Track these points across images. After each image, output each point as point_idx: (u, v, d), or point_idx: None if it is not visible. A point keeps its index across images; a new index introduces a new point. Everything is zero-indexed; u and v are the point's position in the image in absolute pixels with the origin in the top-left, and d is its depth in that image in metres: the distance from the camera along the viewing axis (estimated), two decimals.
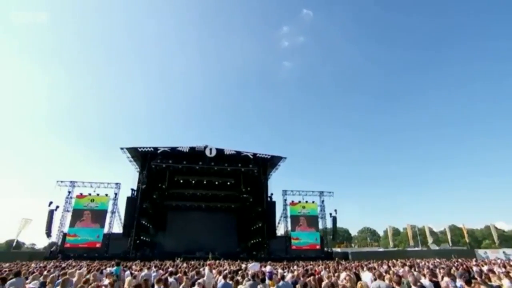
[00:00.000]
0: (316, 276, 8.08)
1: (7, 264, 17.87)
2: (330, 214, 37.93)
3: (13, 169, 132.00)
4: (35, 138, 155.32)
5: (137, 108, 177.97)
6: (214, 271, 10.13)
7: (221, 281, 7.19)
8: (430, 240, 44.33)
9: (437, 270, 9.88)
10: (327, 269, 12.05)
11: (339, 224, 39.81)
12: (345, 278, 7.54)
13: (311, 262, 19.94)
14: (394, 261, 18.52)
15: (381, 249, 49.07)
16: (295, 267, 14.77)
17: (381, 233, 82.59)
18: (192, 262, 17.81)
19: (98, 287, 5.93)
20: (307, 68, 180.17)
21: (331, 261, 22.51)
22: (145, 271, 10.94)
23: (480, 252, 35.73)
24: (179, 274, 8.70)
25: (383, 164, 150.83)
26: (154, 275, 9.40)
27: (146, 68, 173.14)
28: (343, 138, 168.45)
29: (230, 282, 7.07)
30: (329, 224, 37.95)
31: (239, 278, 7.77)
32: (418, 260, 20.69)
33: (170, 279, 7.35)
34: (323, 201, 38.17)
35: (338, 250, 45.63)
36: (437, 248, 43.65)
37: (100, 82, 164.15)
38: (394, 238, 62.20)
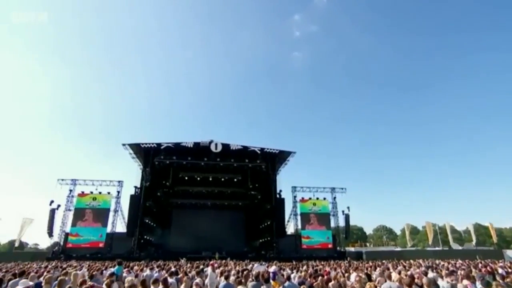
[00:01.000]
0: (325, 277, 7.95)
1: (8, 265, 18.11)
2: (343, 211, 37.57)
3: (14, 168, 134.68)
4: (36, 135, 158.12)
5: (140, 103, 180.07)
6: (217, 271, 10.16)
7: (223, 281, 7.18)
8: (451, 239, 43.25)
9: (458, 272, 9.36)
10: (338, 269, 11.90)
11: (352, 222, 39.38)
12: (355, 279, 7.22)
13: (322, 262, 19.78)
14: (412, 261, 17.99)
15: (398, 249, 48.36)
16: (304, 267, 14.55)
17: (398, 232, 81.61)
18: (197, 262, 17.77)
19: (92, 287, 5.86)
20: (319, 59, 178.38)
21: (344, 261, 22.23)
22: (147, 271, 10.99)
23: (509, 253, 34.58)
24: (180, 275, 8.69)
25: (399, 158, 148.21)
26: (156, 276, 9.22)
27: (149, 63, 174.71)
28: (356, 131, 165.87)
29: (232, 283, 7.09)
30: (341, 222, 37.60)
31: (242, 278, 7.55)
32: (438, 261, 20.03)
33: (171, 280, 7.30)
34: (335, 197, 37.79)
35: (352, 249, 45.15)
36: (460, 248, 42.64)
37: (102, 78, 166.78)
38: (412, 237, 61.09)
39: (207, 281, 8.77)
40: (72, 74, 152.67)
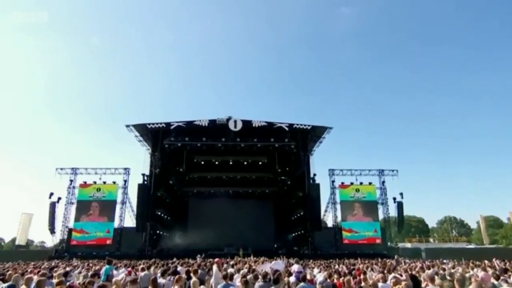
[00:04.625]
0: (358, 278, 8.07)
1: (7, 265, 18.55)
2: (394, 199, 36.48)
3: (6, 156, 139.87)
4: (25, 117, 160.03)
5: (148, 80, 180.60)
6: (231, 269, 10.47)
7: (222, 282, 7.54)
8: None
9: None
10: (379, 269, 11.74)
11: (410, 212, 37.91)
12: (392, 282, 6.98)
13: (367, 260, 19.33)
14: (487, 261, 16.21)
15: (471, 246, 46.14)
16: (338, 266, 14.35)
17: (473, 225, 77.81)
18: (213, 260, 17.28)
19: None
20: (374, 15, 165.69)
21: (392, 259, 21.69)
22: (145, 271, 10.91)
23: None
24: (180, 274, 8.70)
25: (471, 135, 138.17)
26: (144, 275, 9.81)
27: (159, 33, 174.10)
28: (413, 103, 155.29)
29: (231, 282, 7.42)
30: (392, 212, 36.51)
31: (249, 278, 8.16)
32: None
33: (164, 280, 7.85)
34: (383, 182, 36.91)
35: (408, 245, 43.72)
36: None
37: (104, 49, 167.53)
38: (493, 232, 57.81)
39: (212, 280, 9.25)
40: (64, 40, 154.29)
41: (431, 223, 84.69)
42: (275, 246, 36.25)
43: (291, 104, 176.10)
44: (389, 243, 35.57)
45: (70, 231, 32.54)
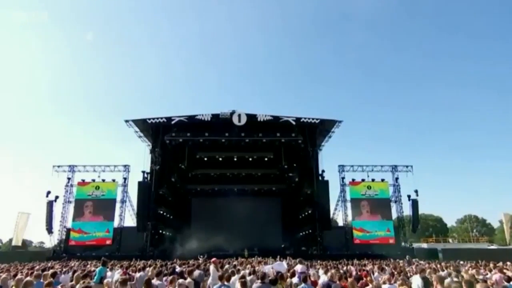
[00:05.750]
0: (364, 279, 8.14)
1: (1, 266, 18.74)
2: (409, 196, 35.98)
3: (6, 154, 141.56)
4: (18, 111, 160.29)
5: (148, 73, 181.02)
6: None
7: (218, 283, 7.79)
8: None
9: None
10: (390, 270, 11.91)
11: (427, 211, 37.55)
12: (400, 285, 7.12)
13: (378, 261, 19.47)
14: (509, 263, 16.03)
15: (494, 246, 45.38)
16: (346, 267, 14.45)
17: (496, 224, 76.57)
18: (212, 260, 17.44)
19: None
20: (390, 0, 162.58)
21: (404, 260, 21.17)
22: (141, 271, 11.21)
23: None
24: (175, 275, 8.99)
25: (492, 128, 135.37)
26: (140, 275, 10.09)
27: (160, 24, 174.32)
28: (429, 93, 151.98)
29: (227, 283, 7.66)
30: (407, 210, 36.21)
31: (249, 279, 8.53)
32: None
33: (158, 282, 7.91)
34: (397, 178, 36.49)
35: (424, 245, 43.28)
36: None
37: (103, 43, 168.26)
38: None
39: (209, 281, 9.55)
40: (64, 31, 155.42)
41: (450, 222, 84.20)
42: (283, 246, 36.50)
43: (298, 96, 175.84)
44: (403, 243, 35.19)
45: (68, 231, 32.85)
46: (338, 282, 7.65)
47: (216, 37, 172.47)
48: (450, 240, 69.95)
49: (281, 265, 11.11)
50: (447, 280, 6.26)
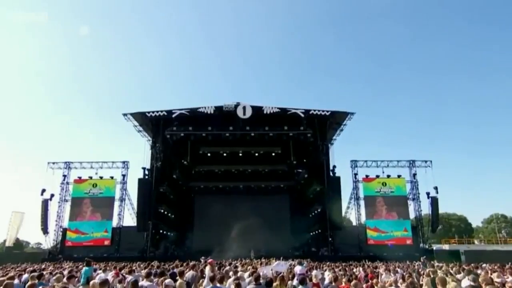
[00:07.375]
0: (370, 282, 8.44)
1: None
2: (428, 194, 35.87)
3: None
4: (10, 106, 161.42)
5: (149, 65, 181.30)
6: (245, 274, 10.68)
7: (209, 284, 7.90)
8: None
9: None
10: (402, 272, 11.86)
11: (450, 210, 37.25)
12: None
13: (394, 263, 19.63)
14: None
15: None
16: (356, 268, 14.56)
17: None
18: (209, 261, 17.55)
19: None
20: None
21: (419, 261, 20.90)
22: (134, 273, 11.42)
23: None
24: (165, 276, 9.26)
25: None
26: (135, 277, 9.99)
27: (159, 12, 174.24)
28: (450, 84, 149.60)
29: (220, 285, 7.60)
30: (426, 209, 36.14)
31: (249, 280, 8.52)
32: None
33: (147, 283, 7.95)
34: (415, 175, 36.42)
35: (446, 247, 42.84)
36: None
37: (101, 36, 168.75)
38: None
39: (204, 282, 9.47)
40: (59, 22, 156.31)
41: (476, 222, 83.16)
42: (292, 246, 36.46)
43: (307, 87, 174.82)
44: (421, 244, 34.91)
45: (64, 231, 33.19)
46: (334, 283, 7.79)
47: (219, 27, 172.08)
48: (476, 242, 69.02)
49: (281, 266, 11.29)
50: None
